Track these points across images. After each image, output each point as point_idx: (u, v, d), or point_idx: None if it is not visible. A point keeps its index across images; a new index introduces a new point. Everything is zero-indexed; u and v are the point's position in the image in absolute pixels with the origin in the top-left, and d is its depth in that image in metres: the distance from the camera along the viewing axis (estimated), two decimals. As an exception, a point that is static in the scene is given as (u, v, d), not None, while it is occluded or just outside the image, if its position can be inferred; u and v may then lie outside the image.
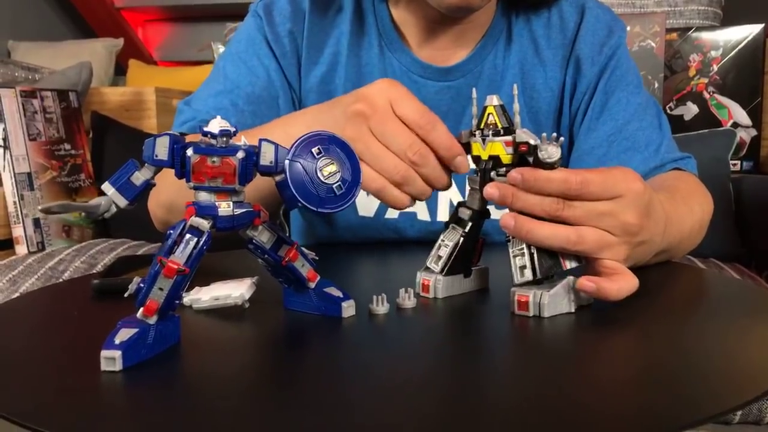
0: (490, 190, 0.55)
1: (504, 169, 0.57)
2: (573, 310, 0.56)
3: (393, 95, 0.60)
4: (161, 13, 3.33)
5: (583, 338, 0.52)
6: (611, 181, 0.55)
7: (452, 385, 0.43)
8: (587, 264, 0.56)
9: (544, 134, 0.54)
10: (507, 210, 0.92)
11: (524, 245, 0.55)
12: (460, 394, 0.41)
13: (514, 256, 0.56)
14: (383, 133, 0.60)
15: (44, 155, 1.74)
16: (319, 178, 0.47)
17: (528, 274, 0.55)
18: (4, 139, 1.65)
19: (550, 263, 0.55)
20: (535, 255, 0.55)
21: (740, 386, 0.41)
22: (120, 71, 2.94)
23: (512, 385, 0.43)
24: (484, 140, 0.57)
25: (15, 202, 1.65)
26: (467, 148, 0.60)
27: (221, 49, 1.94)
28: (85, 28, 3.28)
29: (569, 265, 0.56)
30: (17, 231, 1.66)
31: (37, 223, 1.68)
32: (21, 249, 1.65)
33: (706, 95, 1.81)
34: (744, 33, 1.79)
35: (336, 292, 0.55)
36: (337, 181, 0.48)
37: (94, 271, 1.23)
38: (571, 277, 0.55)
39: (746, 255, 1.55)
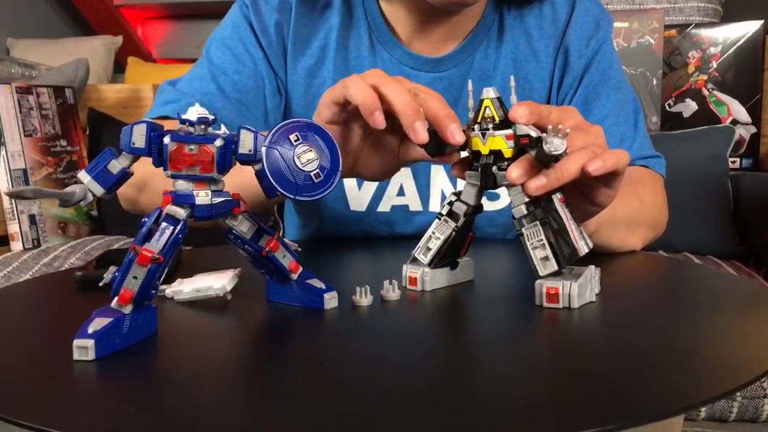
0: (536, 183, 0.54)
1: (506, 163, 0.55)
2: (594, 300, 0.55)
3: (378, 72, 0.60)
4: (160, 10, 3.33)
5: (575, 330, 0.51)
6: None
7: (434, 375, 0.42)
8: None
9: (550, 126, 0.52)
10: (500, 203, 0.90)
11: (543, 236, 0.54)
12: (442, 383, 0.40)
13: (534, 248, 0.54)
14: (367, 75, 0.59)
15: (40, 151, 1.73)
16: (296, 165, 0.46)
17: (552, 265, 0.54)
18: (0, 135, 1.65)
19: (569, 251, 0.54)
20: (554, 245, 0.54)
21: (736, 371, 0.41)
22: (119, 69, 2.94)
23: (496, 375, 0.42)
24: (483, 134, 0.56)
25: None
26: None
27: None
28: (84, 25, 3.27)
29: (584, 250, 0.55)
30: (13, 227, 1.65)
31: (32, 219, 1.67)
32: (16, 245, 1.65)
33: (705, 92, 1.80)
34: (743, 30, 1.78)
35: (319, 284, 0.55)
36: (315, 169, 0.47)
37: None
38: (592, 267, 0.56)
39: (744, 252, 1.54)
